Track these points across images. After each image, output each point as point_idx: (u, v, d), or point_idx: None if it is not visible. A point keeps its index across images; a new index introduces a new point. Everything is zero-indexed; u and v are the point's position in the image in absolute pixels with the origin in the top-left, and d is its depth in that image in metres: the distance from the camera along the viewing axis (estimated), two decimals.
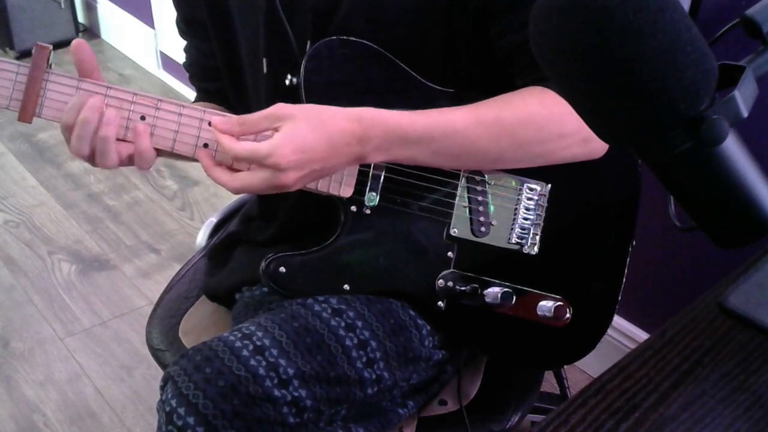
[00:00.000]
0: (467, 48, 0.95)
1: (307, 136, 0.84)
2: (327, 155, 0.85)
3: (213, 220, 1.32)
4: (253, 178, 0.86)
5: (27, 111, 0.86)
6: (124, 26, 3.13)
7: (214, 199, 2.42)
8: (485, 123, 0.89)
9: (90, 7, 3.31)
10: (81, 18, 3.30)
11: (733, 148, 0.51)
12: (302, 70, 0.92)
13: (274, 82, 0.97)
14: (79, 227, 2.31)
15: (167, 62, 2.92)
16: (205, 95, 1.15)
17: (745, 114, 0.50)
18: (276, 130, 0.85)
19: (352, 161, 0.89)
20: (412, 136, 0.88)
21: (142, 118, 0.88)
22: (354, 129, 0.86)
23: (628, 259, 1.04)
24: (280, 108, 0.86)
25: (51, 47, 0.86)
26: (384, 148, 0.88)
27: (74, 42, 0.88)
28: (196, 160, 0.91)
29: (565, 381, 1.32)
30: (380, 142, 0.87)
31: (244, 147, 0.85)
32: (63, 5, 3.11)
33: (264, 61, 0.97)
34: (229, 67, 1.06)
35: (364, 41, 0.93)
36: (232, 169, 0.89)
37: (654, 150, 0.52)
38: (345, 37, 0.93)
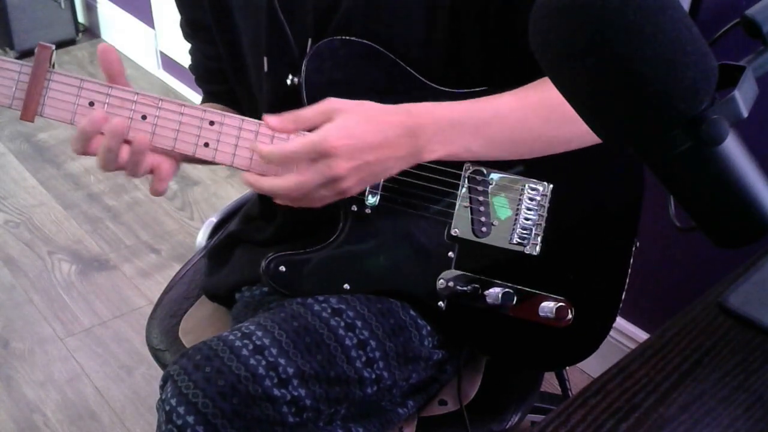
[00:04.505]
0: (472, 47, 0.95)
1: (359, 125, 0.84)
2: (379, 145, 0.84)
3: (213, 220, 1.32)
4: (305, 174, 0.84)
5: (29, 110, 0.86)
6: (124, 26, 3.13)
7: (214, 199, 2.42)
8: (531, 104, 0.89)
9: (90, 7, 3.31)
10: (81, 18, 3.30)
11: (733, 148, 0.51)
12: (303, 69, 0.92)
13: (276, 81, 0.97)
14: (79, 227, 2.31)
15: (167, 62, 2.92)
16: (212, 97, 1.15)
17: (745, 114, 0.50)
18: (328, 122, 0.84)
19: (408, 157, 0.87)
20: (462, 123, 0.87)
21: (144, 117, 0.88)
22: (404, 120, 0.86)
23: (632, 260, 1.04)
24: (331, 102, 0.86)
25: (53, 47, 0.86)
26: (438, 139, 0.87)
27: (101, 47, 0.88)
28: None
29: (567, 382, 1.32)
30: (433, 132, 0.86)
31: (293, 143, 0.85)
32: (63, 5, 3.11)
33: (265, 60, 0.97)
34: (234, 67, 1.06)
35: (365, 41, 0.93)
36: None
37: (654, 150, 0.52)
38: (346, 37, 0.93)
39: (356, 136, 0.84)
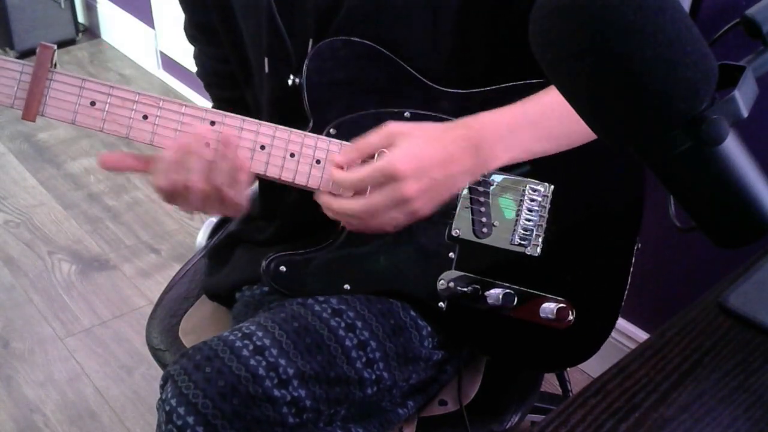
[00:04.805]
0: (478, 47, 0.96)
1: (422, 146, 0.86)
2: (444, 163, 0.86)
3: (213, 220, 1.32)
4: (375, 197, 0.87)
5: (31, 110, 0.87)
6: (124, 26, 3.13)
7: None
8: None
9: (90, 7, 3.31)
10: (81, 18, 3.30)
11: (733, 148, 0.51)
12: (304, 70, 0.92)
13: (277, 82, 0.97)
14: (79, 227, 2.31)
15: (167, 62, 2.92)
16: (222, 104, 1.14)
17: (745, 114, 0.50)
18: (391, 146, 0.86)
19: (474, 169, 0.89)
20: (520, 126, 0.89)
21: (145, 117, 0.88)
22: (465, 134, 0.88)
23: (633, 261, 1.04)
24: (392, 126, 0.88)
25: (55, 47, 0.87)
26: (500, 147, 0.88)
27: (100, 160, 0.89)
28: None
29: (567, 384, 1.32)
30: (494, 141, 0.88)
31: (361, 170, 0.87)
32: (63, 5, 3.11)
33: (266, 61, 0.97)
34: (240, 68, 1.06)
35: (366, 41, 0.93)
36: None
37: (654, 150, 0.52)
38: (347, 38, 0.93)
39: (421, 157, 0.85)
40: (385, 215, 0.87)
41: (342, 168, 0.90)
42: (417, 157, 0.85)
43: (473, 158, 0.88)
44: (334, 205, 0.90)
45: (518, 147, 0.90)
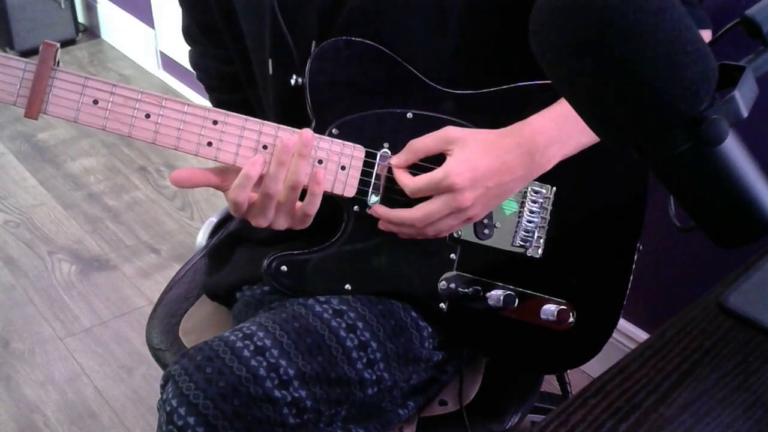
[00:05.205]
0: (484, 47, 0.95)
1: (478, 157, 0.89)
2: (498, 171, 0.89)
3: (213, 219, 1.32)
4: (433, 205, 0.89)
5: (33, 107, 0.86)
6: (124, 26, 3.13)
7: (214, 199, 2.42)
8: None
9: (90, 7, 3.31)
10: (81, 18, 3.30)
11: (733, 148, 0.51)
12: (307, 70, 0.92)
13: (281, 82, 0.97)
14: (79, 227, 2.31)
15: (167, 62, 2.91)
16: (224, 108, 1.14)
17: (745, 114, 0.50)
18: (447, 153, 0.89)
19: (528, 173, 0.91)
20: (567, 120, 0.90)
21: (147, 116, 0.88)
22: (518, 141, 0.90)
23: (634, 263, 1.04)
24: (449, 131, 0.90)
25: (58, 45, 0.87)
26: (552, 148, 0.90)
27: (172, 179, 0.88)
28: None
29: (567, 385, 1.32)
30: (545, 143, 0.90)
31: (420, 178, 0.90)
32: (63, 5, 3.11)
33: (270, 62, 0.97)
34: (244, 69, 1.06)
35: (369, 42, 0.93)
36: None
37: (654, 150, 0.52)
38: (349, 38, 0.93)
39: (477, 167, 0.88)
40: (442, 223, 0.91)
41: (399, 168, 0.93)
42: (473, 168, 0.88)
43: (527, 164, 0.90)
44: (391, 215, 0.92)
45: (570, 144, 0.92)
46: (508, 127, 0.92)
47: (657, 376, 0.73)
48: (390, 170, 0.95)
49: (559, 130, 0.91)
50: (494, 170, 0.89)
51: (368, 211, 0.94)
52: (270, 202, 0.88)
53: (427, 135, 0.91)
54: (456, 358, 1.05)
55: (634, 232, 1.03)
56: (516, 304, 0.98)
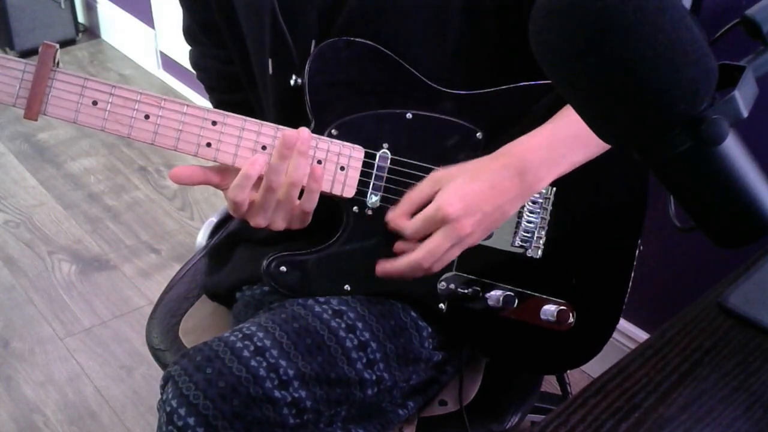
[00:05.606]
0: (484, 47, 0.95)
1: (467, 184, 0.90)
2: (492, 195, 0.90)
3: (213, 219, 1.32)
4: (434, 240, 0.90)
5: (33, 108, 0.87)
6: (124, 26, 3.13)
7: (214, 199, 2.42)
8: None
9: (90, 7, 3.31)
10: (81, 18, 3.30)
11: (733, 148, 0.51)
12: (306, 70, 0.92)
13: (281, 82, 0.97)
14: (79, 227, 2.31)
15: (167, 62, 2.92)
16: (224, 108, 1.14)
17: (745, 114, 0.50)
18: (439, 191, 0.90)
19: (522, 193, 0.91)
20: (559, 141, 0.91)
21: (147, 117, 0.88)
22: (507, 163, 0.90)
23: (635, 264, 1.04)
24: (435, 172, 0.93)
25: (57, 46, 0.87)
26: (544, 168, 0.91)
27: (172, 175, 0.90)
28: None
29: (568, 386, 1.32)
30: (537, 164, 0.90)
31: (416, 217, 0.92)
32: (63, 5, 3.11)
33: (269, 62, 0.97)
34: (244, 69, 1.06)
35: (368, 42, 0.93)
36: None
37: (654, 150, 0.52)
38: (349, 38, 0.93)
39: (467, 194, 0.89)
40: (447, 254, 0.91)
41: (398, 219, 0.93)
42: (463, 196, 0.89)
43: (519, 185, 0.90)
44: (399, 265, 0.93)
45: (561, 163, 0.92)
46: (497, 151, 0.92)
47: (657, 376, 0.73)
48: (390, 170, 0.95)
49: (550, 148, 0.91)
50: (485, 194, 0.90)
51: (377, 273, 0.95)
52: (272, 197, 0.88)
53: (418, 184, 0.93)
54: (456, 358, 1.05)
55: (635, 232, 1.03)
56: (515, 305, 0.98)
